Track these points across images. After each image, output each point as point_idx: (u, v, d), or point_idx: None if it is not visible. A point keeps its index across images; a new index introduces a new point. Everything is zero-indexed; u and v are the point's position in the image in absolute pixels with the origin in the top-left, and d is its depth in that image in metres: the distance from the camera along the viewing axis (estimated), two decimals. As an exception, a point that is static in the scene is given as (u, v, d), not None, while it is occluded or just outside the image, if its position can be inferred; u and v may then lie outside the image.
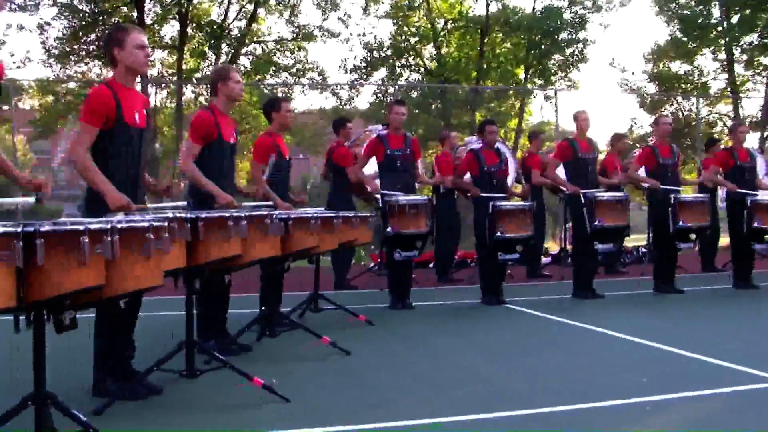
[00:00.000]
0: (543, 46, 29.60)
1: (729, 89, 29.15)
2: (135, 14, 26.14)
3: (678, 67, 31.22)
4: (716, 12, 28.65)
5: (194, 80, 28.01)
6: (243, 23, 28.58)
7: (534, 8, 29.78)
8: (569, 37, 29.86)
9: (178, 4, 26.66)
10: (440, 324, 8.52)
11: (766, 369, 5.74)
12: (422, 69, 31.56)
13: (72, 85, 27.64)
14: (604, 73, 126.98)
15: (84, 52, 27.30)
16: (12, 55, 34.09)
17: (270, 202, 7.36)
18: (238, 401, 5.03)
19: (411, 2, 30.25)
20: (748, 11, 27.22)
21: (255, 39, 29.31)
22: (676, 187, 10.62)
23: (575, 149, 10.21)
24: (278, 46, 29.83)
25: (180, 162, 6.54)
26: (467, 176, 10.26)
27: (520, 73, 30.86)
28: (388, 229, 9.11)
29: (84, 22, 26.69)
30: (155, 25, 27.68)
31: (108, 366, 5.20)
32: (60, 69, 27.73)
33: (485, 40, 29.82)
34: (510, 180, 11.61)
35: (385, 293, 9.92)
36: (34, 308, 3.51)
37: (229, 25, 28.28)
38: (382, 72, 31.45)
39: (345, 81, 30.74)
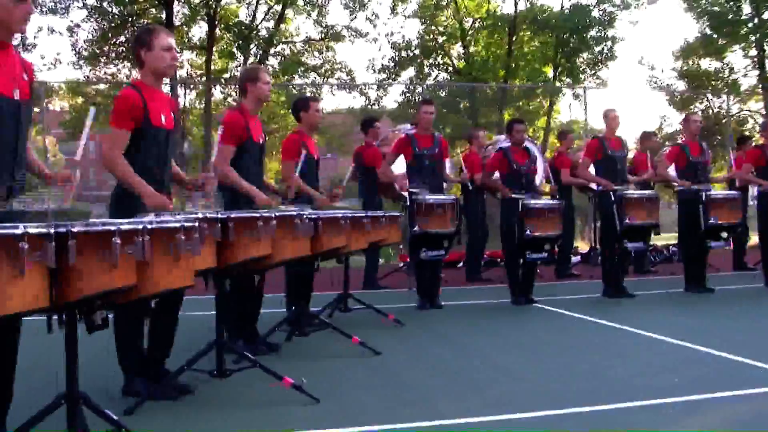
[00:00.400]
0: (571, 44, 29.48)
1: (760, 86, 28.89)
2: (164, 16, 26.29)
3: (708, 64, 31.00)
4: (747, 8, 28.40)
5: (222, 81, 28.14)
6: (271, 24, 28.67)
7: (562, 6, 29.71)
8: (598, 34, 29.72)
9: (206, 6, 26.79)
10: (470, 323, 8.50)
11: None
12: (450, 68, 31.54)
13: (102, 86, 27.82)
14: (633, 70, 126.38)
15: (113, 54, 27.48)
16: (42, 58, 34.41)
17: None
18: (268, 401, 5.04)
19: (438, 1, 30.25)
20: (779, 7, 26.99)
21: (283, 39, 29.38)
22: (706, 187, 10.51)
23: (605, 148, 10.15)
24: (306, 47, 29.91)
25: (215, 165, 6.54)
26: (496, 175, 10.23)
27: (549, 71, 30.74)
28: (415, 228, 9.10)
29: (113, 24, 26.88)
30: (184, 27, 27.82)
31: (137, 365, 5.22)
32: (90, 71, 27.93)
33: (513, 39, 29.75)
34: (539, 179, 11.58)
35: (414, 293, 9.90)
36: (66, 309, 3.53)
37: (257, 25, 28.37)
38: (410, 71, 31.49)
39: (373, 81, 30.78)
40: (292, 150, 7.80)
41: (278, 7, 28.40)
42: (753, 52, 29.09)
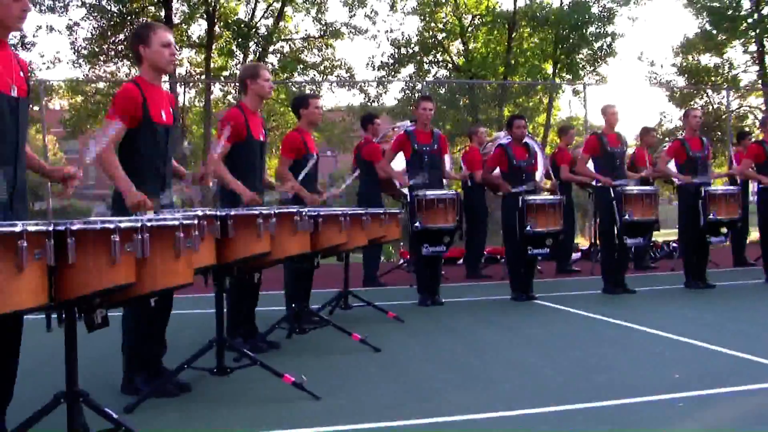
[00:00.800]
0: (571, 41, 29.45)
1: (760, 82, 28.87)
2: (163, 13, 26.28)
3: (707, 59, 30.98)
4: (746, 3, 28.37)
5: (222, 79, 28.13)
6: (270, 21, 28.65)
7: (561, 2, 29.65)
8: (597, 31, 29.68)
9: (205, 3, 26.78)
10: (471, 319, 8.49)
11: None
12: (450, 65, 31.53)
13: (101, 85, 27.84)
14: (633, 67, 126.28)
15: (113, 52, 27.47)
16: (42, 56, 34.44)
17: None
18: (269, 398, 5.04)
19: (438, -2, 30.26)
20: (779, 2, 26.97)
21: (282, 37, 29.37)
22: (706, 180, 10.50)
23: (604, 143, 10.14)
24: (306, 44, 29.88)
25: (208, 160, 6.56)
26: (496, 171, 10.22)
27: (548, 67, 30.72)
28: (416, 224, 9.10)
29: (112, 23, 26.86)
30: (183, 24, 27.81)
31: (138, 364, 5.22)
32: (89, 69, 27.92)
33: (513, 35, 29.73)
34: (539, 175, 11.57)
35: (414, 290, 9.89)
36: (65, 306, 3.53)
37: (256, 23, 28.35)
38: (410, 68, 31.46)
39: (372, 78, 30.79)
40: (290, 150, 7.80)
41: (277, 5, 28.39)
42: (753, 47, 29.06)
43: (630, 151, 12.50)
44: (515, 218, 9.52)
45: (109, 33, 27.03)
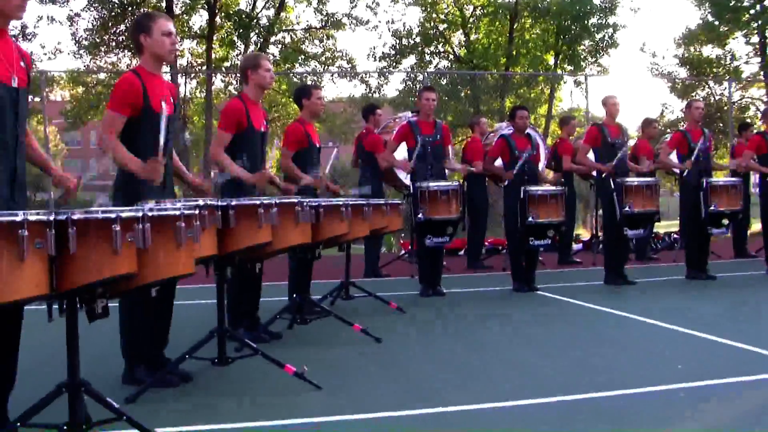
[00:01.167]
0: (572, 32, 29.44)
1: (762, 73, 28.85)
2: (164, 4, 26.28)
3: (709, 51, 31.00)
4: (748, -6, 28.36)
5: (223, 69, 28.14)
6: (271, 12, 28.67)
7: (563, -7, 29.62)
8: (599, 21, 29.67)
9: (206, -6, 26.78)
10: (473, 309, 8.49)
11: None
12: (451, 56, 31.55)
13: (102, 75, 27.87)
14: (635, 58, 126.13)
15: (114, 43, 27.50)
16: (43, 47, 34.40)
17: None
18: (270, 388, 5.04)
19: (439, -11, 30.25)
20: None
21: (284, 28, 29.37)
22: (708, 172, 10.48)
23: (605, 134, 10.12)
24: (307, 35, 29.90)
25: (210, 150, 6.57)
26: (498, 162, 10.20)
27: (550, 58, 30.74)
28: (419, 215, 9.09)
29: (113, 13, 26.88)
30: (184, 15, 27.81)
31: (138, 354, 5.22)
32: (90, 60, 27.95)
33: (514, 26, 29.74)
34: (541, 165, 11.55)
35: (416, 281, 9.90)
36: (66, 296, 3.52)
37: (257, 14, 28.36)
38: (411, 59, 31.50)
39: (374, 69, 30.80)
40: (292, 142, 7.79)
41: (279, -5, 28.41)
42: (755, 38, 29.06)
43: (632, 142, 12.49)
44: (517, 209, 9.50)
45: (110, 24, 27.06)
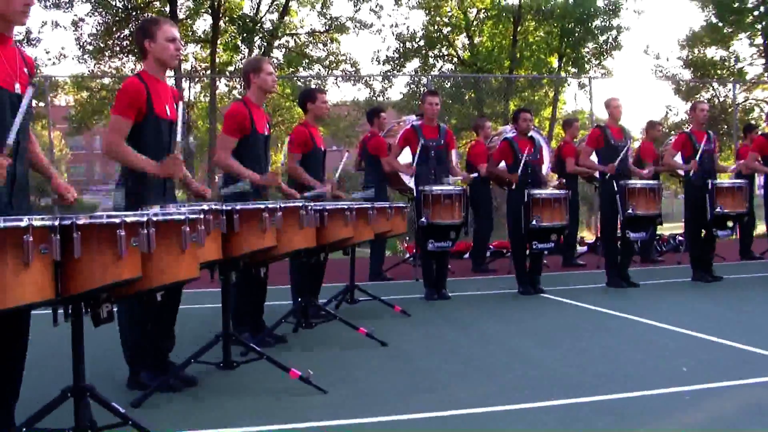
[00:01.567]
0: (576, 34, 29.45)
1: (766, 75, 28.82)
2: (168, 9, 26.32)
3: (713, 52, 30.98)
4: (752, -4, 28.35)
5: (227, 74, 28.17)
6: (275, 16, 28.73)
7: (567, -4, 29.63)
8: (603, 24, 29.68)
9: (210, -2, 26.82)
10: (478, 313, 8.47)
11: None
12: (455, 59, 31.56)
13: (106, 80, 27.93)
14: (639, 60, 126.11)
15: (118, 48, 27.56)
16: (47, 52, 34.51)
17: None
18: (276, 392, 5.04)
19: (442, -8, 30.27)
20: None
21: (287, 32, 29.41)
22: (712, 174, 10.47)
23: (607, 137, 10.12)
24: (311, 39, 29.93)
25: (216, 156, 6.58)
26: (502, 165, 10.19)
27: (554, 61, 30.75)
28: (422, 219, 9.08)
29: (117, 18, 26.93)
30: (188, 20, 27.86)
31: (142, 358, 5.22)
32: (94, 65, 27.99)
33: (518, 29, 29.75)
34: (545, 168, 11.55)
35: (420, 284, 9.89)
36: (71, 301, 3.53)
37: (261, 18, 28.41)
38: (415, 63, 31.53)
39: (378, 72, 30.78)
40: (298, 145, 7.81)
41: (282, 0, 28.42)
42: (759, 40, 29.04)
43: (636, 144, 12.49)
44: (521, 212, 9.50)
45: (114, 29, 27.11)
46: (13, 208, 3.91)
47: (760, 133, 12.68)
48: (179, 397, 4.96)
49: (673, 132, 25.36)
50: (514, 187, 9.75)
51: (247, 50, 28.04)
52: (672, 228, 18.99)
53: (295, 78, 27.55)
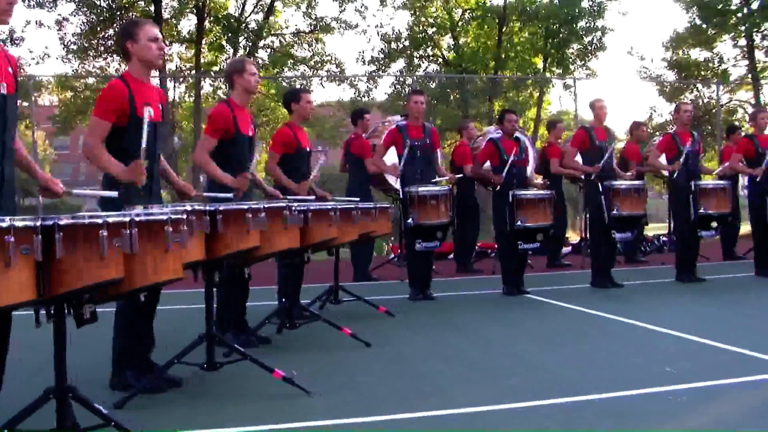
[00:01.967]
0: (561, 35, 29.51)
1: (749, 76, 28.94)
2: (152, 9, 26.24)
3: (697, 54, 31.05)
4: (736, -2, 28.45)
5: (212, 74, 28.10)
6: (260, 16, 28.67)
7: (551, -3, 29.69)
8: (587, 25, 29.77)
9: (194, -2, 26.77)
10: (461, 314, 8.47)
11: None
12: (440, 59, 31.58)
13: (91, 80, 27.83)
14: (623, 61, 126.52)
15: (102, 48, 27.45)
16: (31, 52, 34.32)
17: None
18: (260, 393, 5.03)
19: (428, -8, 30.29)
20: (768, -4, 26.98)
21: (272, 32, 29.38)
22: (696, 175, 10.50)
23: (592, 137, 10.15)
24: (296, 39, 29.91)
25: (194, 154, 6.57)
26: (487, 165, 10.20)
27: (539, 62, 30.80)
28: (409, 220, 9.08)
29: (102, 18, 26.82)
30: (173, 20, 27.78)
31: (127, 360, 5.20)
32: (78, 65, 27.88)
33: (503, 30, 29.78)
34: (530, 170, 11.56)
35: (405, 284, 9.90)
36: (54, 302, 3.51)
37: (246, 18, 28.36)
38: (400, 63, 31.55)
39: (363, 73, 30.77)
40: (280, 145, 7.81)
41: (267, 0, 28.39)
42: (742, 41, 29.13)
43: (620, 145, 12.52)
44: (506, 213, 9.51)
45: (98, 28, 27.00)
46: (1, 209, 3.91)
47: (743, 134, 12.72)
48: (163, 398, 4.94)
49: (657, 133, 25.42)
50: (498, 188, 9.75)
51: (232, 50, 27.98)
52: (656, 229, 19.04)
53: (280, 78, 27.51)
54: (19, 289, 3.09)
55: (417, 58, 31.56)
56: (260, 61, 27.53)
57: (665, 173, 11.10)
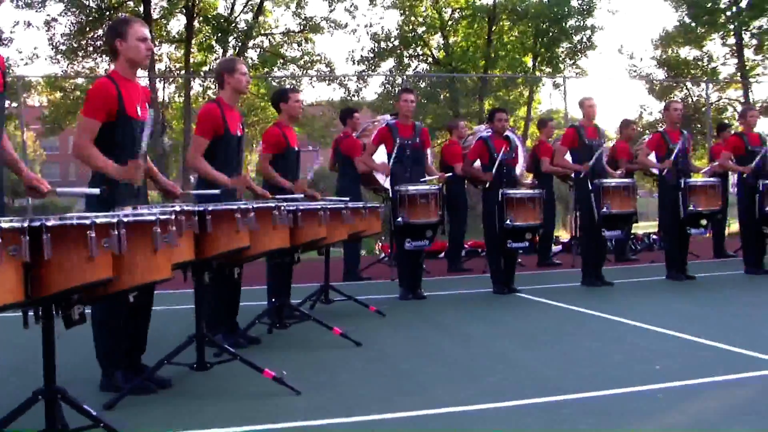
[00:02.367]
0: (551, 34, 29.55)
1: (739, 74, 29.03)
2: (141, 8, 26.19)
3: (687, 52, 31.16)
4: (725, -4, 28.54)
5: (202, 74, 28.06)
6: (250, 16, 28.63)
7: (541, -5, 29.71)
8: (577, 24, 29.80)
9: (184, -2, 26.72)
10: (452, 313, 8.47)
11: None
12: (430, 59, 31.59)
13: (80, 80, 27.75)
14: (613, 59, 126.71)
15: (91, 48, 27.40)
16: (20, 52, 34.26)
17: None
18: (250, 393, 5.01)
19: (418, -9, 30.31)
20: (757, -5, 27.07)
21: (262, 32, 29.36)
22: (686, 173, 10.52)
23: (581, 136, 10.16)
24: (285, 39, 29.89)
25: (188, 156, 6.55)
26: (477, 164, 10.20)
27: (528, 61, 30.84)
28: (399, 219, 9.08)
29: (91, 18, 26.76)
30: (162, 20, 27.73)
31: (115, 360, 5.18)
32: (68, 65, 27.83)
33: (493, 29, 29.80)
34: (519, 169, 11.56)
35: (396, 284, 9.89)
36: (42, 303, 3.50)
37: (236, 18, 28.33)
38: (390, 63, 31.56)
39: (353, 72, 30.77)
40: (271, 145, 7.80)
41: (257, 0, 28.36)
42: (731, 40, 29.21)
43: (610, 143, 12.54)
44: (495, 212, 9.51)
45: (87, 28, 26.94)
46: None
47: (733, 132, 12.75)
48: (153, 399, 4.92)
49: (647, 131, 25.48)
50: (488, 186, 9.75)
51: (221, 50, 27.94)
52: (646, 227, 19.06)
53: (270, 78, 27.48)
54: (7, 291, 3.07)
55: (407, 57, 31.57)
56: (250, 61, 27.50)
57: (655, 171, 11.10)
